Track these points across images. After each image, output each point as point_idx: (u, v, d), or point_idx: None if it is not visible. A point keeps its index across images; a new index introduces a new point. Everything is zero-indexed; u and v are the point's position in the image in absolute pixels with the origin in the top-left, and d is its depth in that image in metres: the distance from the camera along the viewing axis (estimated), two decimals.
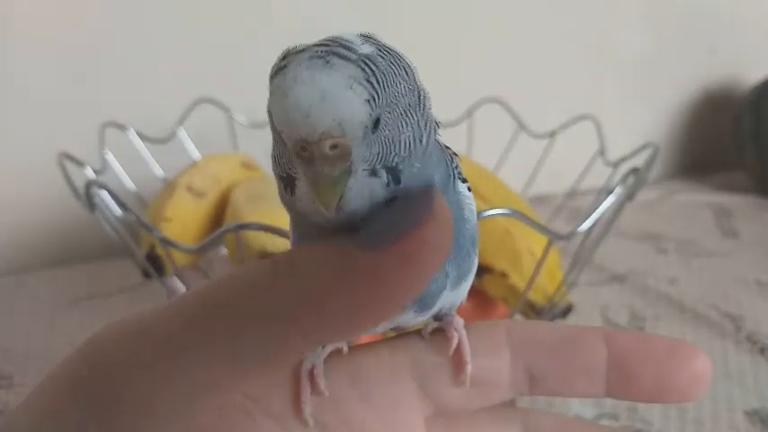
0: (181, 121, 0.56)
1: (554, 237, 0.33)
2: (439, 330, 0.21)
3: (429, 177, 0.18)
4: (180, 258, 0.42)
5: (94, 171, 0.46)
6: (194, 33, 0.62)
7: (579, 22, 0.76)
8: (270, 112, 0.16)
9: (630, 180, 0.38)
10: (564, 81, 0.78)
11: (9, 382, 0.41)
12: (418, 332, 0.22)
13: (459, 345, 0.20)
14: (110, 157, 0.50)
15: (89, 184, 0.35)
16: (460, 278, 0.20)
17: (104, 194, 0.36)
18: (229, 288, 0.16)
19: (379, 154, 0.16)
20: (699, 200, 0.75)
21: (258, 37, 0.64)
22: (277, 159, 0.17)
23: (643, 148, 0.46)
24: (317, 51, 0.16)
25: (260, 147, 0.60)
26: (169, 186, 0.50)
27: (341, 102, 0.15)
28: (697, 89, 0.85)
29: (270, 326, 0.15)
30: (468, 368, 0.20)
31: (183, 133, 0.56)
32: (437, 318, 0.21)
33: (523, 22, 0.73)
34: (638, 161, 0.42)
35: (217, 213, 0.49)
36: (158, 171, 0.55)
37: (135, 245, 0.41)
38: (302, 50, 0.16)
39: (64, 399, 0.16)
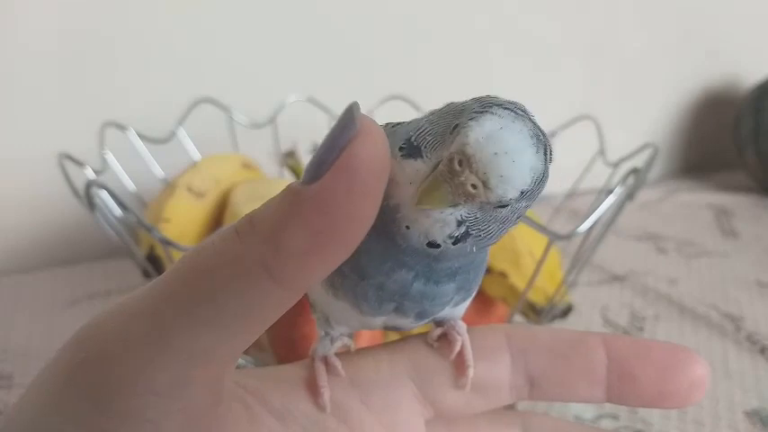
0: (181, 121, 0.56)
1: (554, 237, 0.33)
2: (443, 336, 0.21)
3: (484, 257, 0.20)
4: None
5: (94, 171, 0.46)
6: (194, 33, 0.62)
7: (579, 22, 0.76)
8: (467, 111, 0.17)
9: (630, 180, 0.38)
10: (564, 81, 0.78)
11: (9, 383, 0.41)
12: (420, 336, 0.22)
13: (461, 348, 0.20)
14: (110, 157, 0.50)
15: (89, 184, 0.35)
16: (464, 300, 0.21)
17: (104, 194, 0.35)
18: (201, 255, 0.16)
19: (489, 231, 0.17)
20: (699, 200, 0.75)
21: (258, 37, 0.64)
22: (422, 133, 0.18)
23: (643, 148, 0.46)
24: (532, 135, 0.17)
25: (260, 147, 0.60)
26: (169, 187, 0.50)
27: (518, 180, 0.16)
28: (697, 89, 0.85)
29: (242, 280, 0.15)
30: (471, 371, 0.20)
31: (182, 133, 0.56)
32: (439, 323, 0.21)
33: (523, 22, 0.73)
34: (638, 161, 0.42)
35: (217, 214, 0.49)
36: (158, 171, 0.55)
37: (135, 245, 0.41)
38: (522, 115, 0.17)
39: (62, 389, 0.16)
